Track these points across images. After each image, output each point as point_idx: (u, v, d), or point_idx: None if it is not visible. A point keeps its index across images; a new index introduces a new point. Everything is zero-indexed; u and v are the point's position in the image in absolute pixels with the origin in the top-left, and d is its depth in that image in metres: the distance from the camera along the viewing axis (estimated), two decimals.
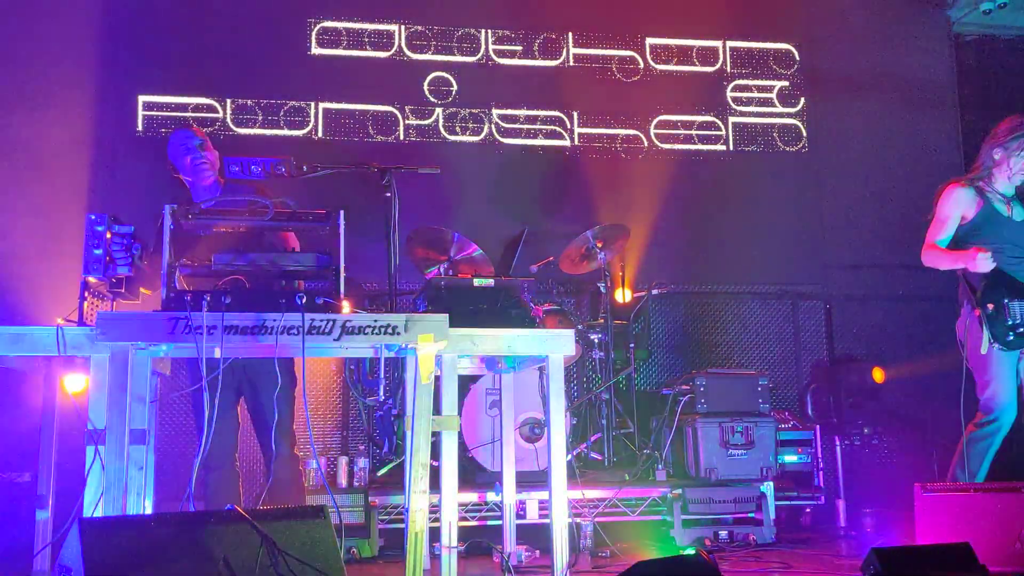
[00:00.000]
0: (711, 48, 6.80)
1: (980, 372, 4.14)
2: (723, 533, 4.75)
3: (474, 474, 4.81)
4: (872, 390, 5.72)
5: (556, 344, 3.26)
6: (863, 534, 5.15)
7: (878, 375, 5.75)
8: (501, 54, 6.53)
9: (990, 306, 4.07)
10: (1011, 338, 4.05)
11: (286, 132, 6.13)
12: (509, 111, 6.47)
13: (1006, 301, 4.05)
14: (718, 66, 6.80)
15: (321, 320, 2.92)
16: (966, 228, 4.21)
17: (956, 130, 6.96)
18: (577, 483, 4.52)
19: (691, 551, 2.87)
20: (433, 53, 6.43)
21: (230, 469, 3.91)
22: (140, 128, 5.98)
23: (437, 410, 3.06)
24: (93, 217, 3.06)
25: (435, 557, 3.22)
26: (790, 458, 5.51)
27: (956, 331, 4.26)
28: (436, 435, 3.08)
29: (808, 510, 5.47)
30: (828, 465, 5.63)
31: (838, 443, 5.64)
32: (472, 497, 4.64)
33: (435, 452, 3.09)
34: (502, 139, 6.44)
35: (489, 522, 4.62)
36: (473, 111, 6.41)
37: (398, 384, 3.22)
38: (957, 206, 4.20)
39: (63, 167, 5.60)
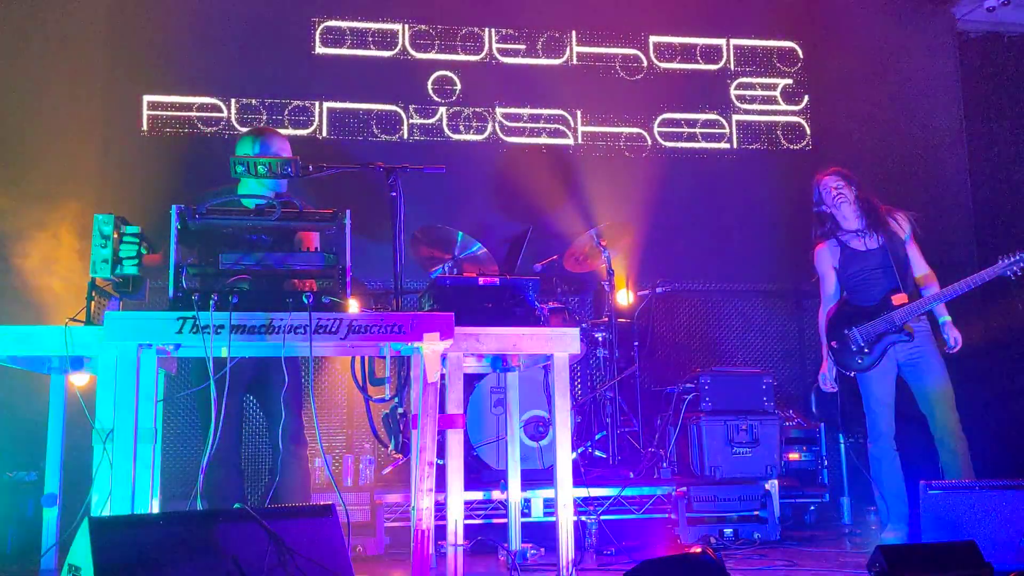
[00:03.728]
0: (715, 46, 6.80)
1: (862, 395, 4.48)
2: (728, 531, 4.75)
3: (479, 472, 4.82)
4: None
5: (561, 343, 3.27)
6: (868, 532, 5.15)
7: None
8: (505, 53, 6.53)
9: (834, 343, 4.48)
10: (861, 361, 4.39)
11: (290, 131, 6.13)
12: (513, 110, 6.47)
13: (846, 331, 4.42)
14: (722, 64, 6.80)
15: (328, 319, 2.93)
16: (838, 271, 4.57)
17: (960, 127, 6.95)
18: (582, 481, 4.52)
19: (696, 549, 2.87)
20: (437, 52, 6.44)
21: (234, 467, 3.91)
22: (145, 128, 5.99)
23: (442, 408, 3.07)
24: (100, 217, 3.07)
25: (441, 555, 3.23)
26: (795, 456, 5.52)
27: None
28: (441, 433, 3.09)
29: (813, 508, 5.47)
30: (833, 463, 5.63)
31: (843, 441, 5.63)
32: (477, 495, 4.65)
33: (440, 450, 3.09)
34: (506, 138, 6.45)
35: (494, 520, 4.63)
36: (477, 110, 6.42)
37: (404, 383, 3.22)
38: (824, 263, 4.63)
39: (69, 167, 5.61)
